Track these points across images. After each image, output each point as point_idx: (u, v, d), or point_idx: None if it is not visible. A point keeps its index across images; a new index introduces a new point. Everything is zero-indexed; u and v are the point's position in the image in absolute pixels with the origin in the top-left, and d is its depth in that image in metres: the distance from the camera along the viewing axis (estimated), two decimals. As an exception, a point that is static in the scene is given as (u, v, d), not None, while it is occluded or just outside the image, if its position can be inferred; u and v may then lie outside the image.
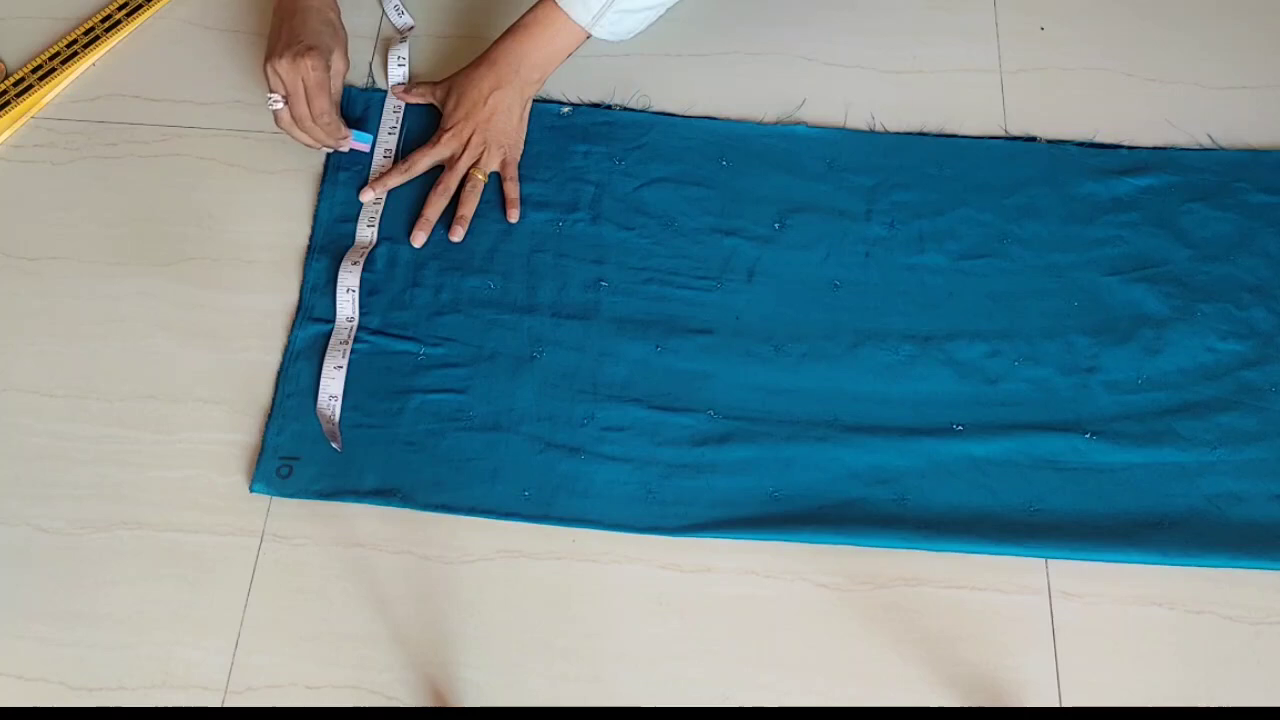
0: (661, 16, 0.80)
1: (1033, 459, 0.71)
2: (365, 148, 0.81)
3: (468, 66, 0.81)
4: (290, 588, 0.68)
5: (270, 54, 0.75)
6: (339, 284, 0.76)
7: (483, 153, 0.79)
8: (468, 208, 0.79)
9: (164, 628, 0.67)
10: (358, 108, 0.84)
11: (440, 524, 0.70)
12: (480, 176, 0.79)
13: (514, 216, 0.79)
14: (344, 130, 0.79)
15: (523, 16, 0.79)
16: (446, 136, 0.79)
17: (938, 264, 0.78)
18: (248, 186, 0.81)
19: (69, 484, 0.71)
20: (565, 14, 0.77)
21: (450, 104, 0.80)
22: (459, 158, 0.79)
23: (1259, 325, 0.76)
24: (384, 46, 0.88)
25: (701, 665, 0.66)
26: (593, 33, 0.78)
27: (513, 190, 0.80)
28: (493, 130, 0.79)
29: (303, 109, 0.75)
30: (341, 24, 0.80)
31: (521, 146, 0.81)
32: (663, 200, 0.80)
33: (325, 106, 0.76)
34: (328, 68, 0.76)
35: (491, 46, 0.80)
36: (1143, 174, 0.81)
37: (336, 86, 0.78)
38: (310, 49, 0.74)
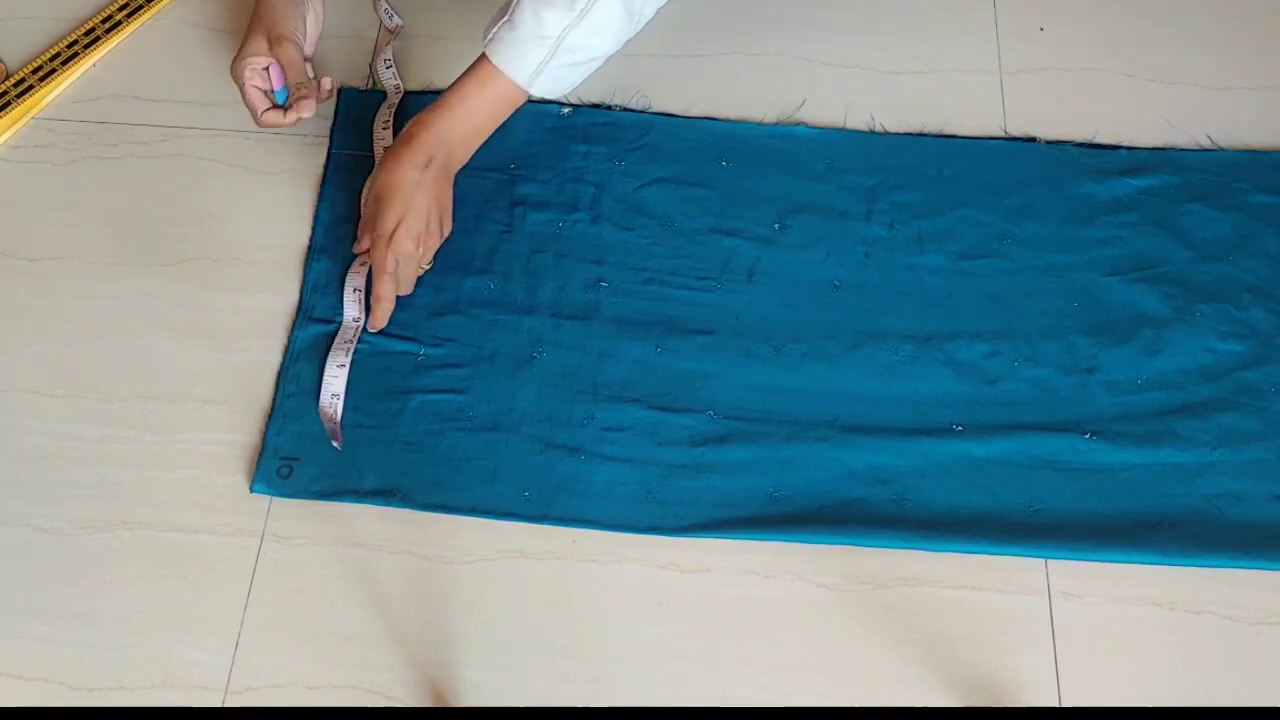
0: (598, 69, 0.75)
1: (1032, 459, 0.71)
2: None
3: (388, 158, 0.72)
4: (290, 588, 0.68)
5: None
6: (346, 284, 0.76)
7: (422, 250, 0.73)
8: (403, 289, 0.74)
9: (164, 628, 0.67)
10: (357, 108, 0.84)
11: (440, 524, 0.70)
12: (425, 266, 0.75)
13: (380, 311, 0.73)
14: (291, 118, 0.78)
15: (454, 85, 0.73)
16: (381, 252, 0.71)
17: (937, 264, 0.78)
18: (248, 187, 0.81)
19: (69, 484, 0.71)
20: (501, 73, 0.71)
21: (372, 209, 0.72)
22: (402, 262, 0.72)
23: (1259, 326, 0.76)
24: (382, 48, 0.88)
25: (701, 665, 0.66)
26: (531, 91, 0.72)
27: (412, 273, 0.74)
28: (426, 226, 0.72)
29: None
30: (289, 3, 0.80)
31: (450, 221, 0.75)
32: (663, 201, 0.80)
33: (249, 107, 0.78)
34: (250, 76, 0.77)
35: (414, 122, 0.73)
36: (1142, 174, 0.81)
37: (312, 41, 0.81)
38: (234, 60, 0.78)
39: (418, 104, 0.83)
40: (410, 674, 0.66)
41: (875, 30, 0.89)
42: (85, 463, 0.71)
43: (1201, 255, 0.78)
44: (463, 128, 0.73)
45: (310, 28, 0.84)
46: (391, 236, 0.70)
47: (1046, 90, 0.86)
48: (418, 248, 0.72)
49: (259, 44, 0.78)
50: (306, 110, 0.78)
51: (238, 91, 0.78)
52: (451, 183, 0.74)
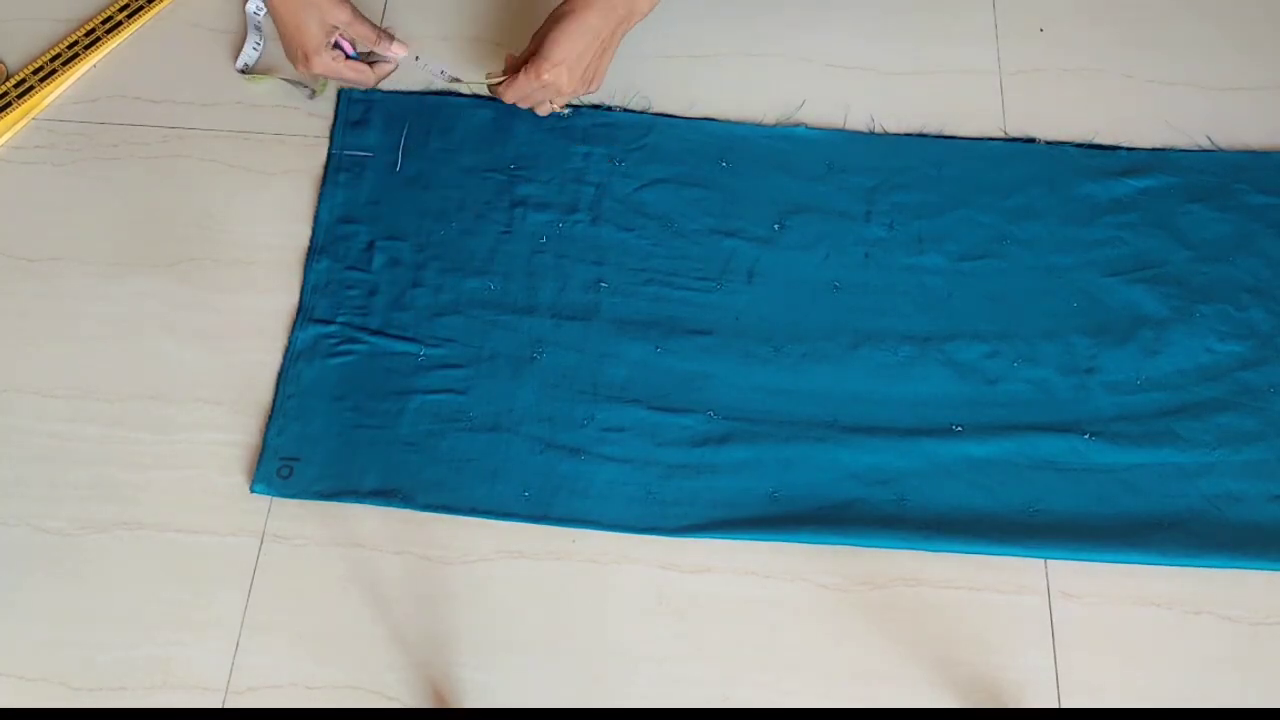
0: None
1: (1032, 460, 0.71)
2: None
3: (568, 12, 0.74)
4: (290, 588, 0.68)
5: (291, 61, 0.79)
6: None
7: (568, 92, 0.77)
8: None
9: (165, 628, 0.67)
10: (357, 110, 0.84)
11: (440, 524, 0.70)
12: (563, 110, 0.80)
13: (544, 111, 0.80)
14: (377, 63, 0.81)
15: None
16: (550, 74, 0.75)
17: (937, 265, 0.78)
18: (249, 188, 0.81)
19: (70, 484, 0.71)
20: None
21: (544, 38, 0.74)
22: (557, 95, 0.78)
23: (1258, 326, 0.76)
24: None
25: (701, 665, 0.66)
26: None
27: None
28: (583, 73, 0.76)
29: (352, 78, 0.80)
30: None
31: (601, 80, 0.79)
32: (663, 201, 0.80)
33: (359, 80, 0.80)
34: (337, 57, 0.78)
35: None
36: (1142, 175, 0.81)
37: (359, 32, 0.79)
38: (307, 55, 0.77)
39: (419, 103, 0.84)
40: (410, 674, 0.66)
41: (875, 31, 0.89)
42: (86, 463, 0.72)
43: (1201, 256, 0.79)
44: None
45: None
46: (557, 65, 0.74)
47: (1046, 91, 0.86)
48: (568, 87, 0.75)
49: (314, 35, 0.77)
50: (389, 65, 0.82)
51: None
52: (619, 42, 0.77)
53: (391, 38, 0.81)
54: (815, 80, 0.86)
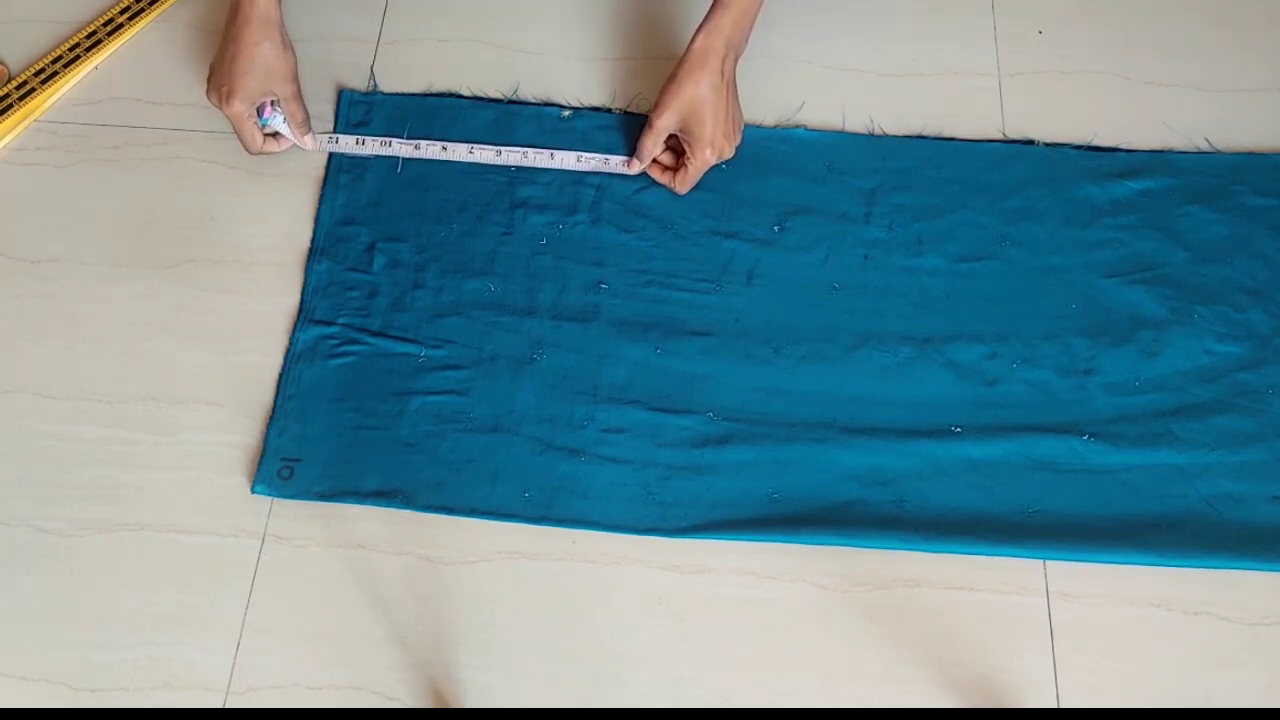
0: None
1: (1031, 460, 0.72)
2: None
3: (680, 79, 0.75)
4: (292, 589, 0.68)
5: (208, 81, 0.77)
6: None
7: (731, 148, 0.79)
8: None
9: (166, 629, 0.67)
10: (358, 111, 0.84)
11: (441, 525, 0.70)
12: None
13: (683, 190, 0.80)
14: (285, 145, 0.81)
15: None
16: (706, 156, 0.77)
17: (936, 266, 0.79)
18: (249, 189, 0.82)
19: (71, 485, 0.71)
20: None
21: (693, 130, 0.76)
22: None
23: (1256, 327, 0.76)
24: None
25: (701, 665, 0.66)
26: None
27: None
28: (735, 126, 0.78)
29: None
30: (284, 49, 0.76)
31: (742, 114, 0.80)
32: (662, 203, 0.81)
33: (249, 142, 0.78)
34: (251, 114, 0.77)
35: (706, 34, 0.75)
36: (1140, 177, 0.82)
37: (292, 110, 0.79)
38: (232, 95, 0.75)
39: (419, 105, 0.84)
40: (411, 674, 0.66)
41: (874, 33, 0.89)
42: (87, 464, 0.72)
43: (1199, 257, 0.79)
44: (745, 23, 0.76)
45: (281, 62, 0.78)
46: (714, 142, 0.76)
47: (1045, 93, 0.86)
48: (730, 149, 0.78)
49: (250, 88, 0.76)
50: (284, 144, 0.81)
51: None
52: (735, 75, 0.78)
53: (310, 129, 0.81)
54: (815, 82, 0.87)
